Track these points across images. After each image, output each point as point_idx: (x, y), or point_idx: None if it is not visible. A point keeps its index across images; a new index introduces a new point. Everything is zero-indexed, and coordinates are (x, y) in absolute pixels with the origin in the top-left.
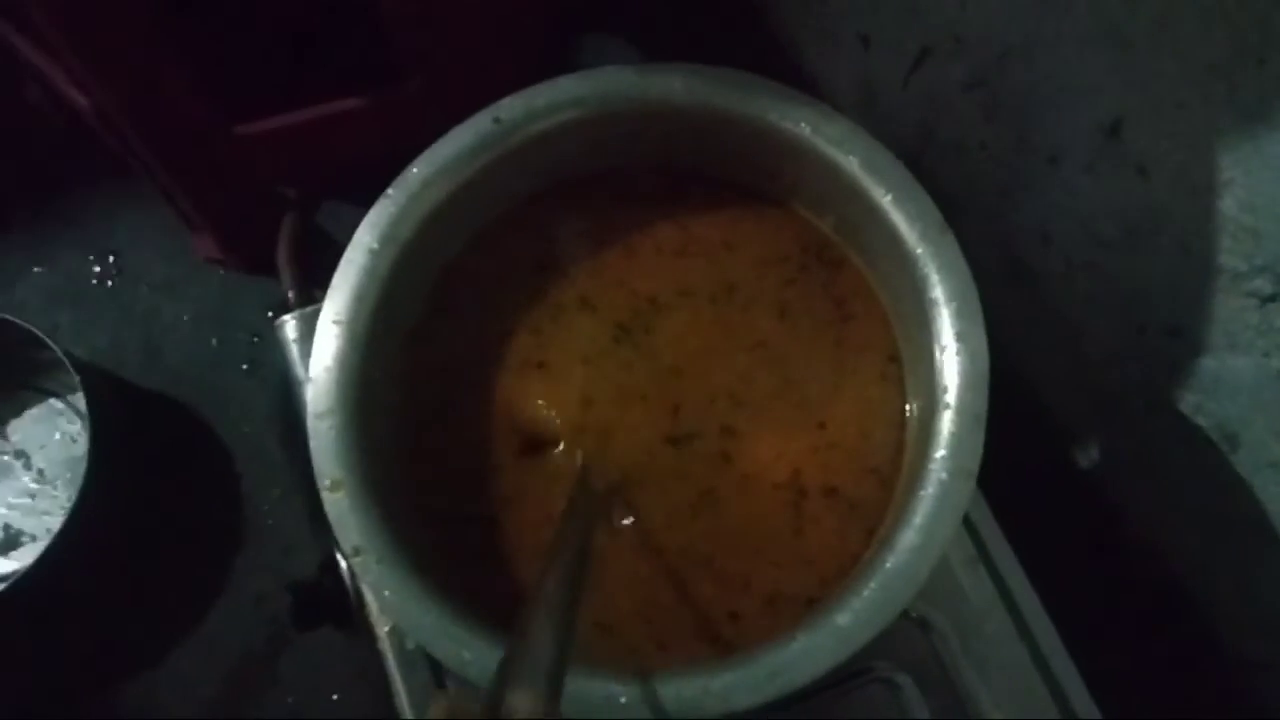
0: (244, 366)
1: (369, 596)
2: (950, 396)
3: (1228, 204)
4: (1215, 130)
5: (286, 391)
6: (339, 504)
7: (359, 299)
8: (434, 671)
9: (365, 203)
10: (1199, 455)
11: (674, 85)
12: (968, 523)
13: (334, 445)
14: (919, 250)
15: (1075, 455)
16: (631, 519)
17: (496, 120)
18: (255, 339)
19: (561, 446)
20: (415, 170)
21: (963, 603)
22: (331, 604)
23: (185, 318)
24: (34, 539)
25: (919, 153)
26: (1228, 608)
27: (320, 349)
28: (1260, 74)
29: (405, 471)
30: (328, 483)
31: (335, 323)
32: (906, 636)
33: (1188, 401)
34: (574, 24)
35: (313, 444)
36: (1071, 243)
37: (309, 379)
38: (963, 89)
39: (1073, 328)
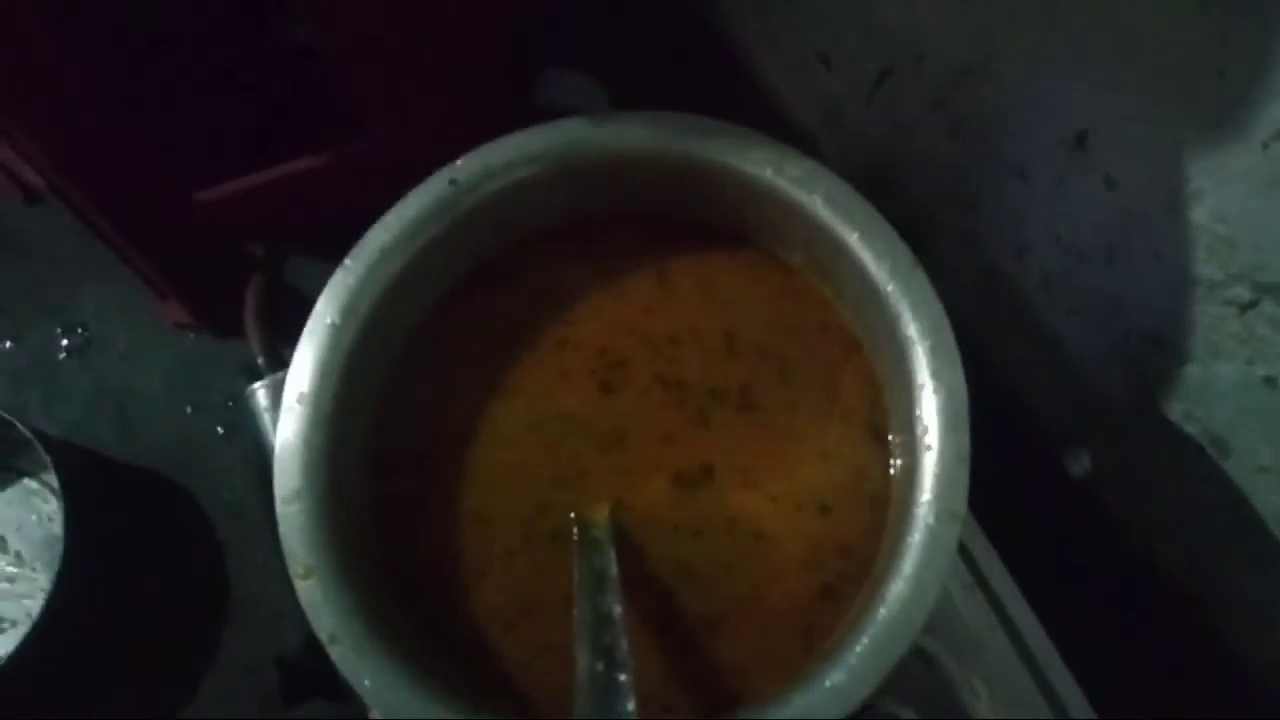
0: (220, 431)
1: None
2: (931, 437)
3: (1199, 214)
4: (1181, 141)
5: (263, 457)
6: (312, 591)
7: (323, 374)
8: None
9: (337, 257)
10: (1190, 462)
11: (630, 134)
12: (963, 548)
13: (304, 530)
14: (889, 288)
15: (1068, 464)
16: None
17: (453, 182)
18: (230, 403)
19: (545, 521)
20: (372, 238)
21: (962, 630)
22: (320, 677)
23: (157, 386)
24: (14, 624)
25: (889, 170)
26: (1230, 613)
27: (285, 428)
28: (1222, 84)
29: (382, 553)
30: (300, 569)
31: (299, 401)
32: (907, 669)
33: (1175, 409)
34: (535, 61)
35: (281, 529)
36: (1046, 254)
37: (275, 459)
38: (927, 107)
39: (1056, 338)
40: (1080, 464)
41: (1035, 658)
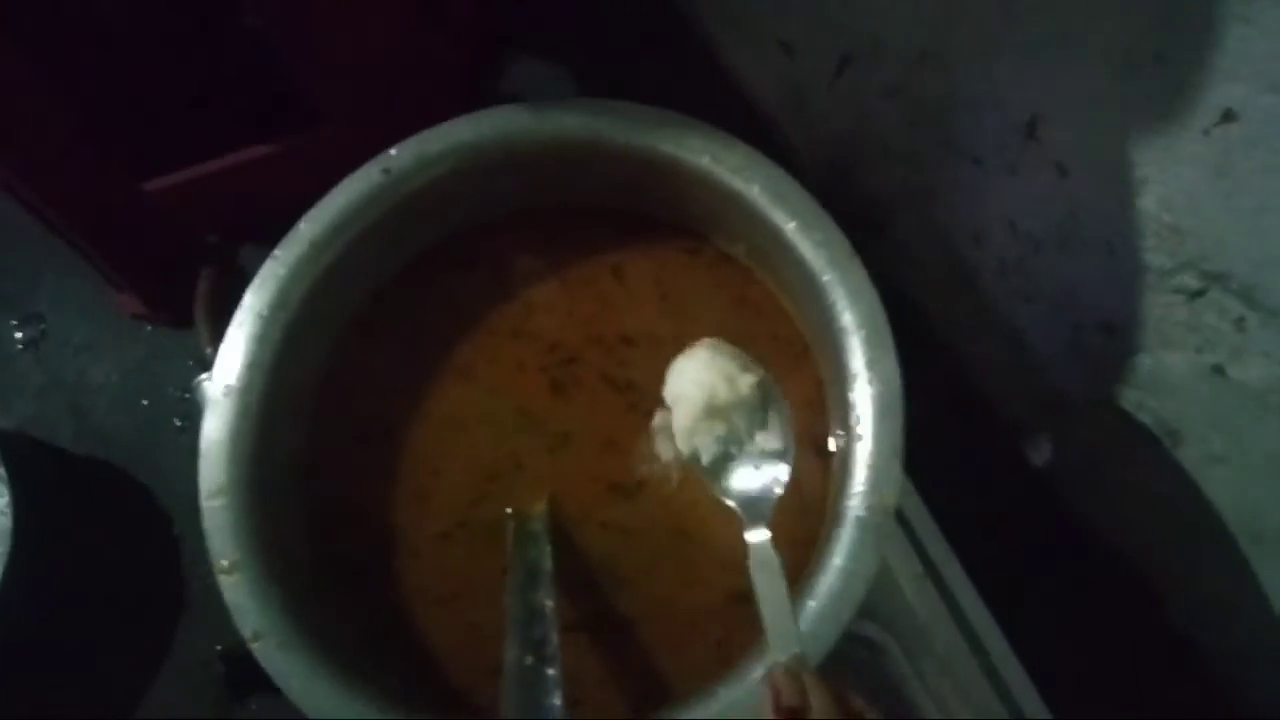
0: (177, 423)
1: None
2: (863, 428)
3: (1147, 201)
4: (1127, 128)
5: None
6: (236, 587)
7: (250, 366)
8: None
9: None
10: (1144, 450)
11: (567, 122)
12: (913, 538)
13: (228, 525)
14: (826, 277)
15: (1029, 453)
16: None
17: (386, 171)
18: (186, 395)
19: (481, 508)
20: (302, 228)
21: (911, 620)
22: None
23: (114, 378)
24: None
25: (850, 157)
26: (1189, 602)
27: (211, 422)
28: (1161, 69)
29: (309, 549)
30: (224, 564)
31: (225, 395)
32: (856, 659)
33: (1129, 398)
34: (499, 52)
35: (205, 524)
36: (1002, 242)
37: (200, 453)
38: (885, 94)
39: (1013, 327)
40: (1041, 453)
41: (986, 648)
